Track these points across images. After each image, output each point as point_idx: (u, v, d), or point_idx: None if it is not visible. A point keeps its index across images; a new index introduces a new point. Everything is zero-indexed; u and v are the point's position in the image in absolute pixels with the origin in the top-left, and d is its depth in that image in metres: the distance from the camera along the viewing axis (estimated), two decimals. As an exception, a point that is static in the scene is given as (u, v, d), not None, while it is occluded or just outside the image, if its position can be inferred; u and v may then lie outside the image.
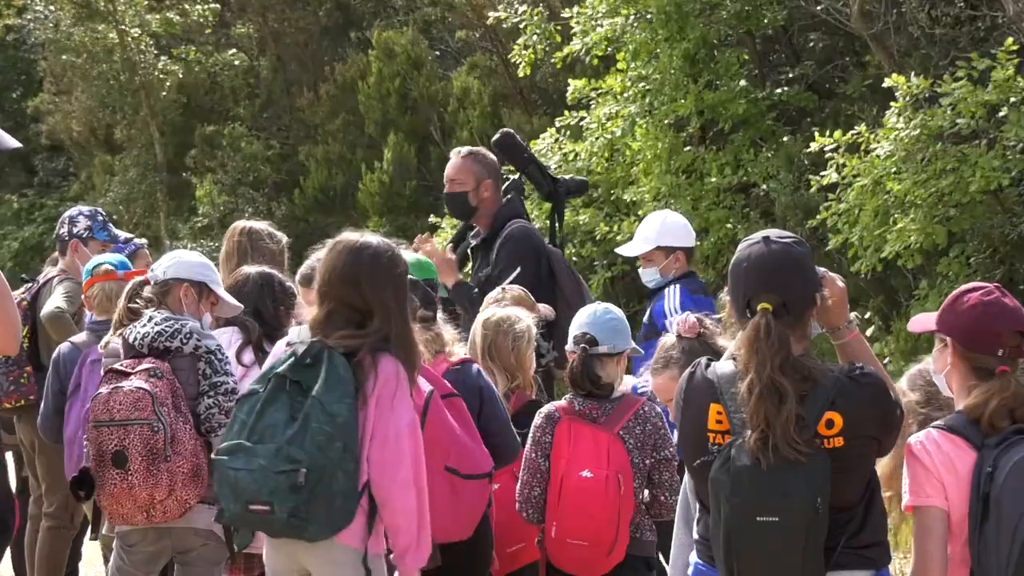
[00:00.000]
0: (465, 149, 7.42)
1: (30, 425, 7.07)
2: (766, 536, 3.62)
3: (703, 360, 3.91)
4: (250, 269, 6.00)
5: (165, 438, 5.19)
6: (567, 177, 8.22)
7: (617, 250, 7.44)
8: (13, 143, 4.11)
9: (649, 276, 7.06)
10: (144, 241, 8.16)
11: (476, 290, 6.91)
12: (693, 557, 4.01)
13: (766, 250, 3.82)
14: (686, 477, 4.36)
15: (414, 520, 4.37)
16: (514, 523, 5.32)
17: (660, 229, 7.01)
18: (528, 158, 7.65)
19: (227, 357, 5.52)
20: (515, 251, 7.04)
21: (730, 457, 3.66)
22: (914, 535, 4.05)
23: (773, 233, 3.90)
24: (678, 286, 6.80)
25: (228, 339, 5.80)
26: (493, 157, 7.40)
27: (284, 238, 6.70)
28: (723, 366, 3.83)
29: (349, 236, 4.58)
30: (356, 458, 4.30)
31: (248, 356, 5.76)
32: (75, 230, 7.25)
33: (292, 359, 4.39)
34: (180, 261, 5.66)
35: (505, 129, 7.98)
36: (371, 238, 4.54)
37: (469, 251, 7.44)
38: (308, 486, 4.21)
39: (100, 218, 7.37)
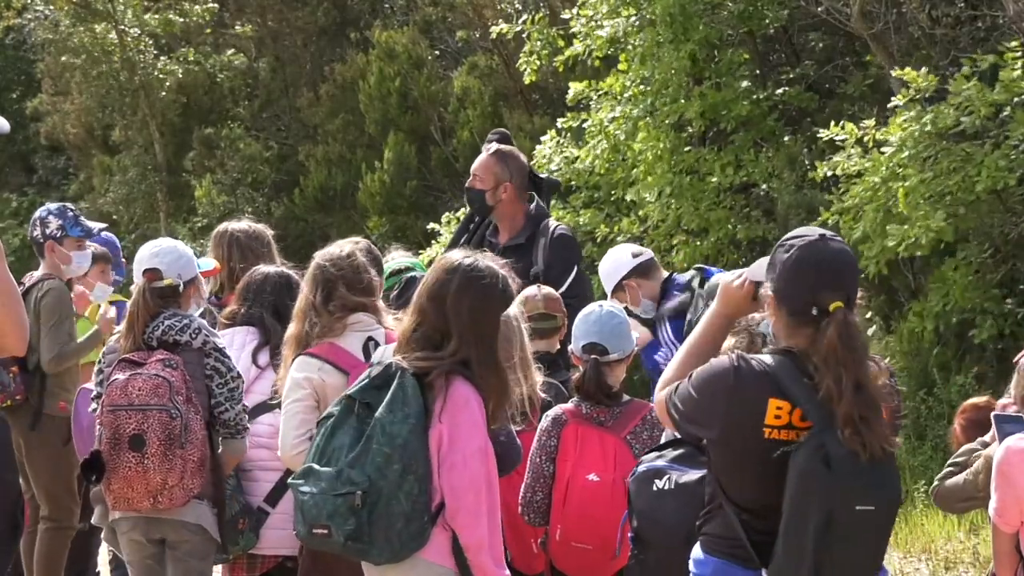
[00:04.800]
0: (495, 147, 7.40)
1: (18, 426, 7.07)
2: (862, 524, 3.66)
3: (743, 354, 3.85)
4: (267, 269, 6.01)
5: (182, 425, 5.27)
6: (544, 175, 8.24)
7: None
8: (4, 126, 4.11)
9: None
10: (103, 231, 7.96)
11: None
12: (697, 552, 3.96)
13: (828, 248, 3.82)
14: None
15: (484, 548, 4.32)
16: None
17: (602, 280, 6.84)
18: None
19: (230, 356, 5.57)
20: (571, 252, 7.15)
21: (823, 445, 3.64)
22: (992, 539, 4.93)
23: (826, 232, 3.90)
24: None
25: (243, 339, 5.81)
26: (522, 159, 7.42)
27: (268, 231, 6.72)
28: (775, 360, 3.77)
29: (452, 254, 4.51)
30: (421, 479, 4.24)
31: (264, 357, 5.77)
32: (48, 231, 7.23)
33: (365, 381, 4.37)
34: (188, 259, 5.71)
35: (501, 129, 8.01)
36: (476, 260, 4.44)
37: (488, 250, 7.43)
38: (366, 508, 4.18)
39: (70, 215, 7.33)
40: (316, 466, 4.28)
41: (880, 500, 3.68)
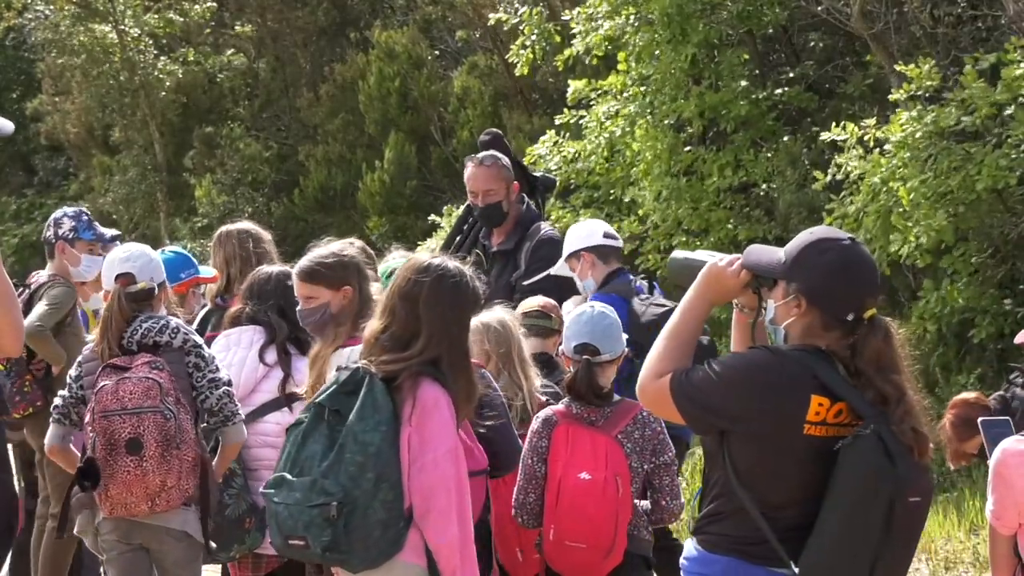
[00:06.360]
0: (484, 156, 7.36)
1: (39, 430, 7.11)
2: (914, 516, 3.69)
3: (779, 348, 3.80)
4: (271, 268, 6.04)
5: (176, 426, 5.27)
6: (539, 174, 8.21)
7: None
8: (9, 127, 4.10)
9: (579, 286, 6.90)
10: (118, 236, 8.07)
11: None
12: (692, 551, 3.90)
13: (864, 252, 3.82)
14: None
15: (455, 549, 4.29)
16: None
17: (566, 239, 6.95)
18: (513, 159, 7.70)
19: (207, 350, 5.59)
20: (553, 254, 7.10)
21: (881, 439, 3.63)
22: (989, 542, 4.94)
23: (853, 236, 3.89)
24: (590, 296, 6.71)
25: (250, 337, 5.82)
26: (506, 159, 7.41)
27: (268, 234, 6.77)
28: (812, 357, 3.73)
29: (420, 255, 4.52)
30: (395, 485, 4.22)
31: (271, 355, 5.78)
32: (60, 232, 7.29)
33: (333, 387, 4.33)
34: (158, 263, 5.73)
35: (493, 130, 8.00)
36: (445, 261, 4.45)
37: (481, 253, 7.43)
38: (342, 519, 4.15)
39: (84, 218, 7.40)
40: (288, 476, 4.23)
41: (925, 492, 3.72)
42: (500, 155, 7.38)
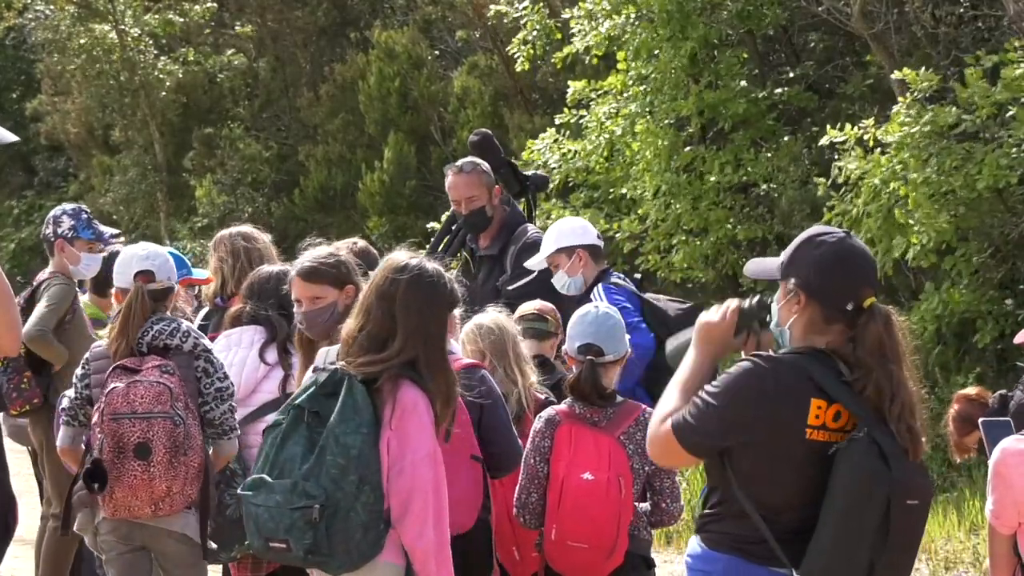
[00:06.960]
0: (464, 163, 7.34)
1: (40, 427, 7.13)
2: (912, 519, 3.69)
3: (771, 355, 3.79)
4: (271, 268, 6.03)
5: (184, 432, 5.27)
6: (531, 173, 8.19)
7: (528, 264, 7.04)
8: (11, 137, 4.10)
9: (559, 281, 6.76)
10: (122, 239, 8.08)
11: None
12: (696, 548, 3.90)
13: (859, 244, 3.85)
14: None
15: (431, 554, 4.29)
16: None
17: (555, 233, 6.84)
18: (503, 159, 7.67)
19: (218, 358, 5.58)
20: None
21: (876, 442, 3.64)
22: (988, 541, 4.96)
23: (848, 230, 3.91)
24: (600, 287, 6.60)
25: (251, 337, 5.82)
26: (485, 164, 7.39)
27: (267, 236, 6.77)
28: (808, 360, 3.74)
29: (398, 255, 4.48)
30: (376, 488, 4.22)
31: (272, 355, 5.78)
32: (60, 230, 7.29)
33: (312, 388, 4.32)
34: (172, 264, 5.74)
35: (482, 130, 7.99)
36: (423, 261, 4.43)
37: (468, 256, 7.41)
38: (324, 522, 4.14)
39: (84, 216, 7.39)
40: (268, 478, 4.22)
41: (924, 494, 3.72)
42: (479, 160, 7.36)
